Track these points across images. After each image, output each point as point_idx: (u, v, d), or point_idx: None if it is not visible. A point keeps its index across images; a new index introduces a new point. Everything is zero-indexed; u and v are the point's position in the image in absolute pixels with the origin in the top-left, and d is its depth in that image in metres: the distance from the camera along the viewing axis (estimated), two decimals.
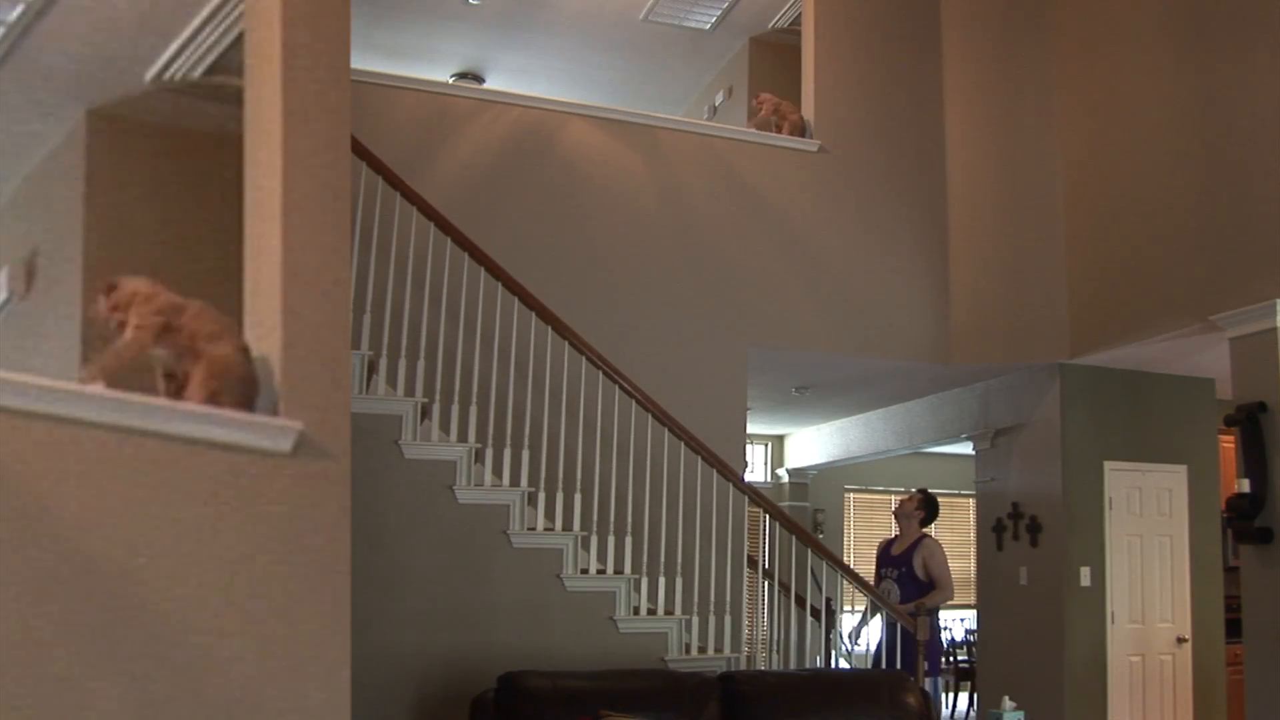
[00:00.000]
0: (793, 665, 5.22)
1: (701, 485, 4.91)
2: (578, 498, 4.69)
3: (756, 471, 10.52)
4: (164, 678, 2.36)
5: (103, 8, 2.86)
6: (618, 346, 5.31)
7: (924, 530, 5.91)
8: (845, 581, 5.41)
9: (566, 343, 4.81)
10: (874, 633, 6.11)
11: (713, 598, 4.88)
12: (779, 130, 6.54)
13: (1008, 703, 3.82)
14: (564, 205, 5.95)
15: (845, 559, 10.02)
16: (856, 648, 5.75)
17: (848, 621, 6.23)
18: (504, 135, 5.92)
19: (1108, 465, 6.49)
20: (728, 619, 4.88)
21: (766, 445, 10.75)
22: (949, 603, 5.96)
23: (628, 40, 7.87)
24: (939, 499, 6.22)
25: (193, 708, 2.38)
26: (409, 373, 4.59)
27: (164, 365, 2.52)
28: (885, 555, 5.94)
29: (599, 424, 4.87)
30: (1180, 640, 6.53)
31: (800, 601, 5.43)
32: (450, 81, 7.88)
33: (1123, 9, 6.11)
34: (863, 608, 5.83)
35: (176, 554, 2.42)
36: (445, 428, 4.64)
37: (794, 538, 5.07)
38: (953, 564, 5.96)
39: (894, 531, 6.23)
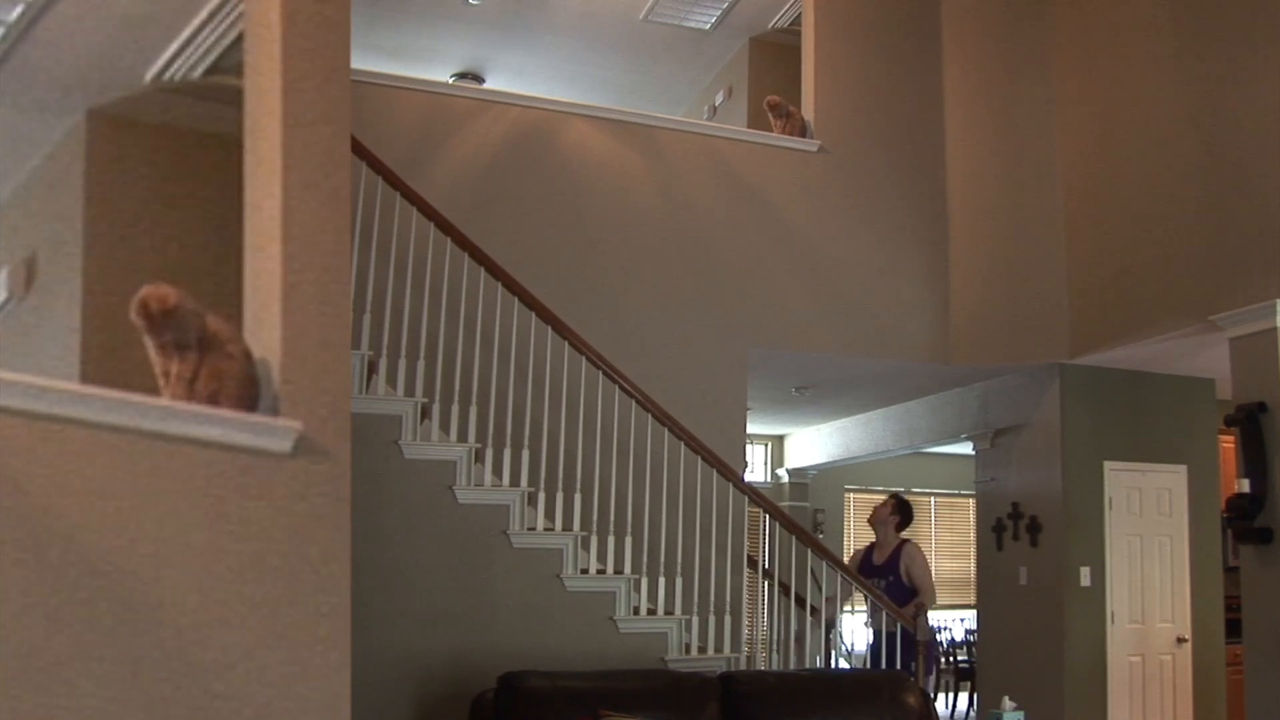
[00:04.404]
0: (793, 665, 5.22)
1: (701, 485, 4.91)
2: (578, 498, 4.69)
3: (756, 471, 10.52)
4: (164, 677, 2.36)
5: (103, 8, 2.86)
6: (618, 346, 5.31)
7: (901, 535, 5.90)
8: (843, 581, 5.41)
9: (566, 343, 4.81)
10: (848, 636, 6.09)
11: (713, 598, 4.88)
12: (781, 123, 6.52)
13: (1008, 703, 3.81)
14: (564, 205, 5.95)
15: (845, 559, 10.01)
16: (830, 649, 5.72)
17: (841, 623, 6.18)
18: (504, 135, 5.92)
19: (1108, 465, 6.49)
20: (728, 619, 4.88)
21: (766, 445, 10.74)
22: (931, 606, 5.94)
23: (628, 40, 7.87)
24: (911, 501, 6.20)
25: (192, 707, 2.38)
26: (409, 373, 4.59)
27: (163, 366, 2.52)
28: (867, 565, 5.85)
29: (599, 424, 4.86)
30: (1180, 640, 6.53)
31: (800, 601, 5.43)
32: (450, 81, 7.89)
33: (1123, 9, 6.11)
34: (858, 609, 5.77)
35: (176, 554, 2.42)
36: (445, 428, 4.64)
37: (794, 538, 5.07)
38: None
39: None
